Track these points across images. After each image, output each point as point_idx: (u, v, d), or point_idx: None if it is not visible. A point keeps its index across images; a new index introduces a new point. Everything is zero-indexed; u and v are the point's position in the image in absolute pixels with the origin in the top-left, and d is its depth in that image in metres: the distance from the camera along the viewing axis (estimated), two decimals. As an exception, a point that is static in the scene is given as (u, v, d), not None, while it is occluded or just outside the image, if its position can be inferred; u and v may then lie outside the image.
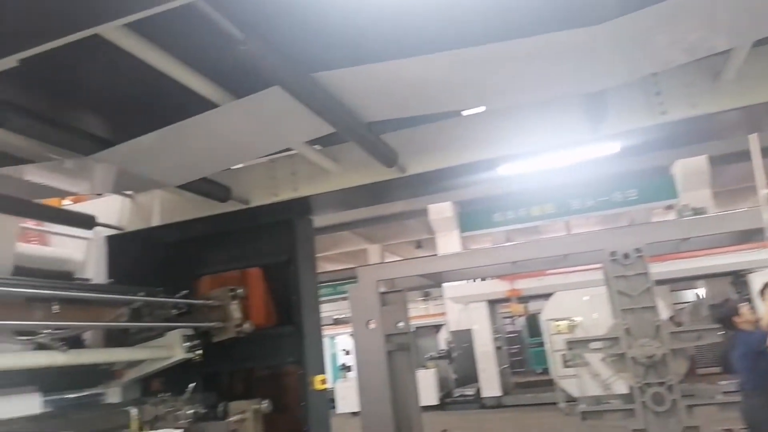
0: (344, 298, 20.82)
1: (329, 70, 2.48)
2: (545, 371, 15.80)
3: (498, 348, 15.00)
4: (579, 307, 12.62)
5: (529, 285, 14.21)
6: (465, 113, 3.63)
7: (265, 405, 3.49)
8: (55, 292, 2.84)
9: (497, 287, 14.70)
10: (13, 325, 2.63)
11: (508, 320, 19.69)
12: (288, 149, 3.90)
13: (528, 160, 3.75)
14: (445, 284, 15.69)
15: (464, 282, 15.51)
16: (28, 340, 2.96)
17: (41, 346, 2.93)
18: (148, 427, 3.41)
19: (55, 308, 2.91)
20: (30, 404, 3.13)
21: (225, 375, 4.60)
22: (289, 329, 4.13)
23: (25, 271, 3.41)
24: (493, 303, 15.52)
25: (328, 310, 19.41)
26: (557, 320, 13.04)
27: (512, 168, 3.85)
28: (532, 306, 16.58)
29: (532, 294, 14.78)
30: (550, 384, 13.50)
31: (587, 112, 3.46)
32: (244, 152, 3.61)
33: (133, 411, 3.22)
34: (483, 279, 15.23)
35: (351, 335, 16.94)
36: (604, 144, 3.66)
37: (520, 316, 17.13)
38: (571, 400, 11.40)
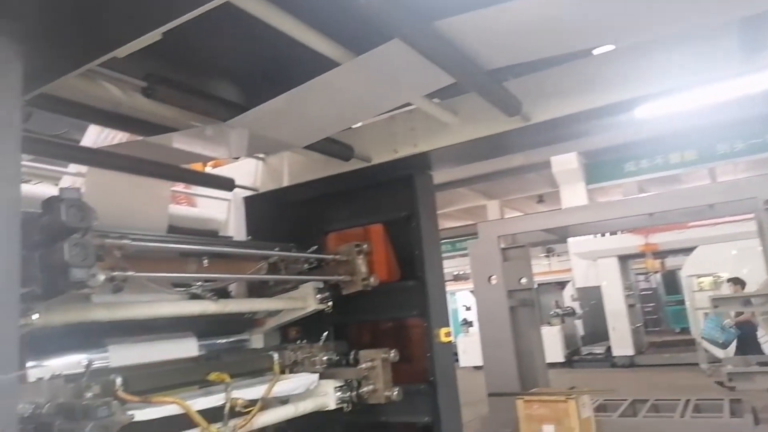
0: (463, 255, 20.85)
1: (449, 17, 2.40)
2: (684, 330, 14.75)
3: (630, 306, 14.19)
4: (725, 262, 11.46)
5: (666, 239, 13.14)
6: (596, 52, 3.35)
7: (393, 354, 3.63)
8: (205, 247, 3.12)
9: (629, 242, 13.79)
10: (170, 278, 2.94)
11: (641, 276, 18.50)
12: (407, 104, 3.89)
13: (670, 99, 3.39)
14: (570, 239, 15.04)
15: (591, 237, 14.75)
16: (183, 291, 3.31)
17: (195, 297, 3.27)
18: (288, 371, 3.70)
19: (205, 262, 3.22)
20: (188, 347, 3.54)
21: (354, 326, 4.85)
22: (412, 283, 4.21)
23: (177, 231, 3.80)
24: (624, 258, 14.61)
25: (447, 267, 19.57)
26: (700, 276, 11.97)
27: (652, 109, 3.51)
28: (670, 262, 15.39)
29: (670, 249, 13.66)
30: (689, 344, 12.59)
31: (741, 39, 3.03)
32: (365, 109, 3.66)
33: (275, 356, 3.50)
34: (613, 233, 14.40)
35: (472, 291, 16.99)
36: (760, 76, 3.20)
37: (655, 272, 16.02)
38: (715, 361, 10.54)
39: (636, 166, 13.61)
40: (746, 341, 9.39)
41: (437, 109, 3.73)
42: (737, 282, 9.65)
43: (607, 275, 14.27)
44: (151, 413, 2.57)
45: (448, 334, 4.02)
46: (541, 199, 21.01)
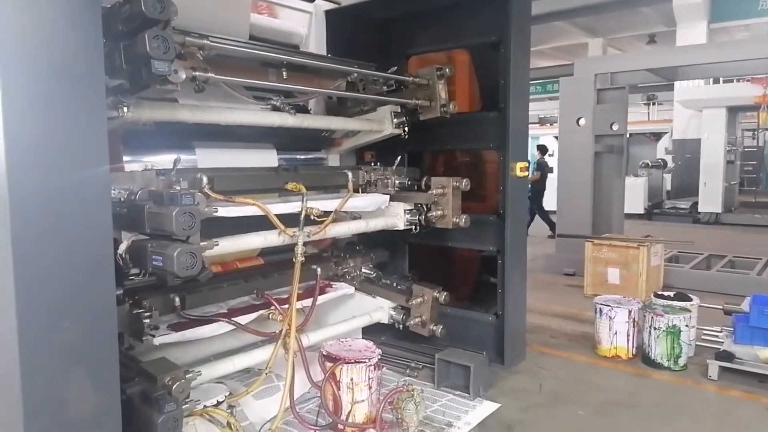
0: (552, 98, 19.66)
1: None
2: (783, 193, 13.78)
3: (729, 162, 13.22)
4: None
5: (789, 92, 11.65)
6: None
7: (464, 183, 3.63)
8: (286, 56, 3.08)
9: (744, 91, 12.37)
10: (250, 84, 2.97)
11: (748, 133, 16.94)
12: None
13: None
14: (677, 86, 13.72)
15: (701, 84, 13.37)
16: (264, 103, 3.36)
17: (275, 109, 3.32)
18: (361, 191, 3.84)
19: (285, 74, 3.20)
20: (269, 158, 3.70)
21: (427, 154, 4.85)
22: (493, 115, 4.05)
23: (258, 41, 3.74)
24: (733, 110, 13.29)
25: (533, 109, 18.59)
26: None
27: None
28: (787, 119, 13.79)
29: (790, 103, 12.18)
30: (786, 208, 11.82)
31: None
32: None
33: (349, 174, 3.60)
34: (727, 81, 12.96)
35: (555, 137, 16.36)
36: None
37: (766, 129, 14.53)
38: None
39: (774, 3, 11.66)
40: None
41: None
42: None
43: (710, 127, 13.13)
44: (233, 211, 2.78)
45: (523, 169, 3.94)
46: (652, 39, 18.82)
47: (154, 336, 2.86)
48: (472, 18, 4.12)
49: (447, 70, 3.70)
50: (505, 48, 3.90)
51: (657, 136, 18.81)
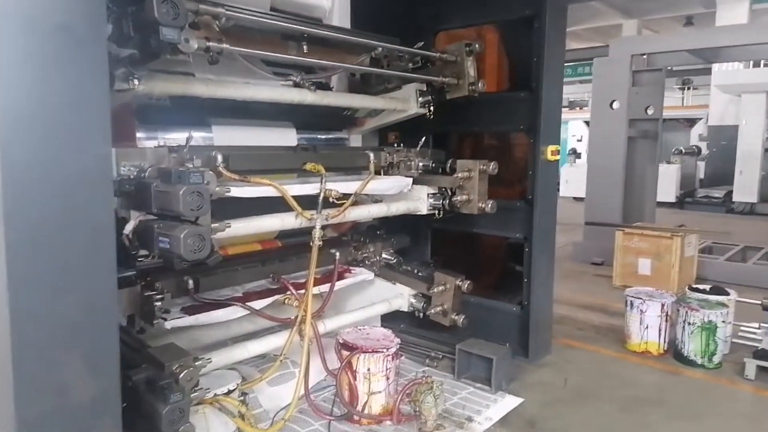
0: (583, 81, 19.06)
1: None
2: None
3: (766, 150, 12.67)
4: None
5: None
6: None
7: (492, 166, 3.44)
8: (307, 28, 2.91)
9: (787, 77, 11.80)
10: (268, 57, 2.81)
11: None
12: None
13: None
14: (715, 69, 13.15)
15: (741, 67, 12.79)
16: (284, 78, 3.21)
17: (295, 85, 3.16)
18: (383, 173, 3.68)
19: (306, 48, 3.03)
20: (287, 136, 3.56)
21: (453, 136, 4.66)
22: (524, 95, 3.84)
23: (280, 13, 3.57)
24: (775, 96, 12.69)
25: (564, 92, 18.05)
26: None
27: None
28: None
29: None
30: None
31: None
32: None
33: (371, 155, 3.44)
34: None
35: (585, 122, 15.90)
36: None
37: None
38: None
39: (826, -18, 11.03)
40: None
41: None
42: None
43: (749, 113, 12.55)
44: (247, 192, 2.65)
45: (555, 153, 3.73)
46: (689, 21, 18.06)
47: (165, 319, 2.78)
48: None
49: (476, 46, 3.49)
50: (539, 23, 3.67)
51: (691, 122, 18.16)
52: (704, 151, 15.00)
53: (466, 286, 3.61)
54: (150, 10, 1.82)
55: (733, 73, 12.88)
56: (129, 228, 2.07)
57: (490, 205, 3.47)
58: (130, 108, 2.82)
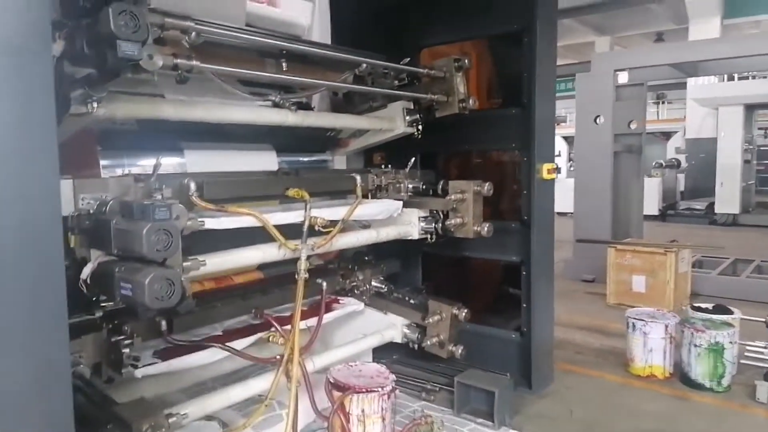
0: (560, 97, 19.23)
1: None
2: (801, 194, 13.37)
3: (746, 162, 12.78)
4: None
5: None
6: None
7: (486, 187, 3.24)
8: (285, 43, 2.70)
9: (762, 88, 11.96)
10: (242, 75, 2.58)
11: (761, 131, 16.53)
12: None
13: None
14: (691, 83, 13.31)
15: (716, 81, 12.96)
16: (261, 99, 2.99)
17: (274, 105, 2.94)
18: (371, 196, 3.46)
19: (284, 65, 2.82)
20: (268, 160, 3.32)
21: (443, 156, 4.46)
22: (515, 111, 3.67)
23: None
24: (750, 108, 12.86)
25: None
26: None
27: None
28: (806, 116, 13.43)
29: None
30: (806, 209, 11.40)
31: None
32: None
33: (358, 178, 3.22)
34: (742, 78, 12.57)
35: (563, 137, 15.98)
36: None
37: (784, 127, 14.13)
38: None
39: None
40: None
41: None
42: None
43: (727, 126, 12.66)
44: (225, 223, 2.40)
45: (551, 171, 3.55)
46: (659, 38, 18.42)
47: (135, 367, 2.49)
48: (492, 5, 3.73)
49: (466, 61, 3.31)
50: (529, 37, 3.52)
51: (667, 135, 18.39)
52: (683, 164, 15.12)
53: (464, 314, 3.38)
54: (105, 23, 1.58)
55: (710, 87, 13.05)
56: (87, 272, 1.80)
57: (486, 229, 3.26)
58: (92, 134, 2.57)
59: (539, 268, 3.60)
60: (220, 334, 3.00)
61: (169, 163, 2.88)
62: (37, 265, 1.40)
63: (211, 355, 2.75)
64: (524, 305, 3.70)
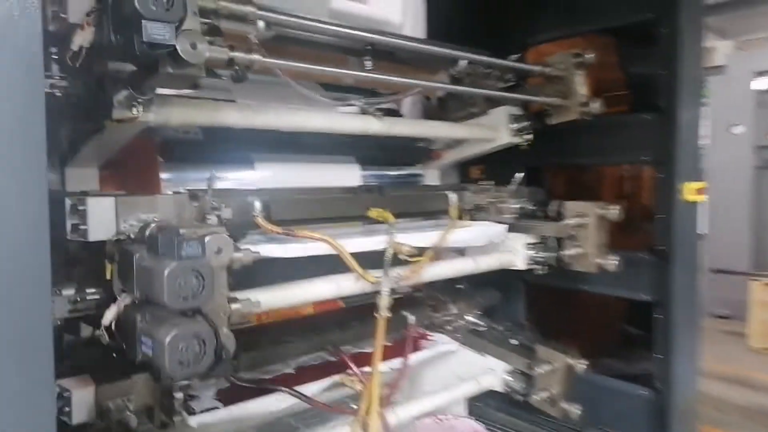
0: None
1: None
2: None
3: None
4: None
5: None
6: None
7: (614, 211, 2.61)
8: (371, 35, 2.29)
9: None
10: (317, 72, 2.16)
11: None
12: None
13: None
14: None
15: None
16: (343, 104, 2.59)
17: (357, 112, 2.54)
18: (468, 217, 2.95)
19: (368, 64, 2.40)
20: (349, 174, 2.91)
21: (553, 171, 3.84)
22: (649, 117, 3.01)
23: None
24: None
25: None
26: None
27: None
28: None
29: None
30: None
31: None
32: None
33: (452, 196, 2.73)
34: None
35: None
36: None
37: None
38: None
39: None
40: None
41: None
42: None
43: None
44: (290, 250, 2.00)
45: (699, 191, 2.84)
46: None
47: (191, 413, 2.15)
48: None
49: (589, 56, 2.72)
50: (669, 28, 2.85)
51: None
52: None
53: (581, 367, 2.75)
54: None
55: None
56: (109, 317, 1.44)
57: (612, 262, 2.63)
58: (152, 145, 2.28)
59: (681, 311, 2.88)
60: (292, 372, 2.62)
61: (238, 177, 2.56)
62: (15, 312, 1.04)
63: (277, 401, 2.35)
64: (659, 356, 2.99)
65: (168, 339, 1.17)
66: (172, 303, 1.20)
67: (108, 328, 1.43)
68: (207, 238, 1.35)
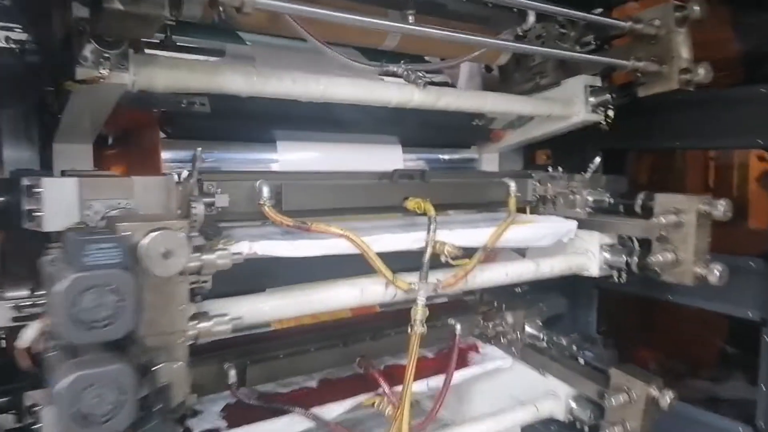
0: None
1: None
2: None
3: None
4: None
5: None
6: None
7: (722, 207, 2.04)
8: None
9: None
10: (353, 23, 1.70)
11: None
12: None
13: None
14: None
15: None
16: (380, 70, 2.14)
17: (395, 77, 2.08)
18: (530, 211, 2.47)
19: (411, 18, 1.93)
20: (390, 157, 2.47)
21: (637, 156, 3.24)
22: (765, 90, 2.39)
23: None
24: None
25: None
26: None
27: None
28: None
29: None
30: None
31: None
32: None
33: (512, 185, 2.25)
34: None
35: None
36: None
37: None
38: None
39: None
40: None
41: None
42: None
43: None
44: (301, 249, 1.60)
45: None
46: None
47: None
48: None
49: (695, 9, 2.13)
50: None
51: None
52: None
53: (667, 399, 2.20)
54: None
55: None
56: (25, 338, 1.06)
57: (716, 272, 2.06)
58: (153, 118, 1.93)
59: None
60: (315, 387, 2.25)
61: (257, 158, 2.18)
62: None
63: (290, 425, 1.98)
64: (764, 388, 2.40)
65: (61, 387, 0.79)
66: (71, 333, 0.82)
67: (27, 351, 1.07)
68: (146, 238, 0.96)
